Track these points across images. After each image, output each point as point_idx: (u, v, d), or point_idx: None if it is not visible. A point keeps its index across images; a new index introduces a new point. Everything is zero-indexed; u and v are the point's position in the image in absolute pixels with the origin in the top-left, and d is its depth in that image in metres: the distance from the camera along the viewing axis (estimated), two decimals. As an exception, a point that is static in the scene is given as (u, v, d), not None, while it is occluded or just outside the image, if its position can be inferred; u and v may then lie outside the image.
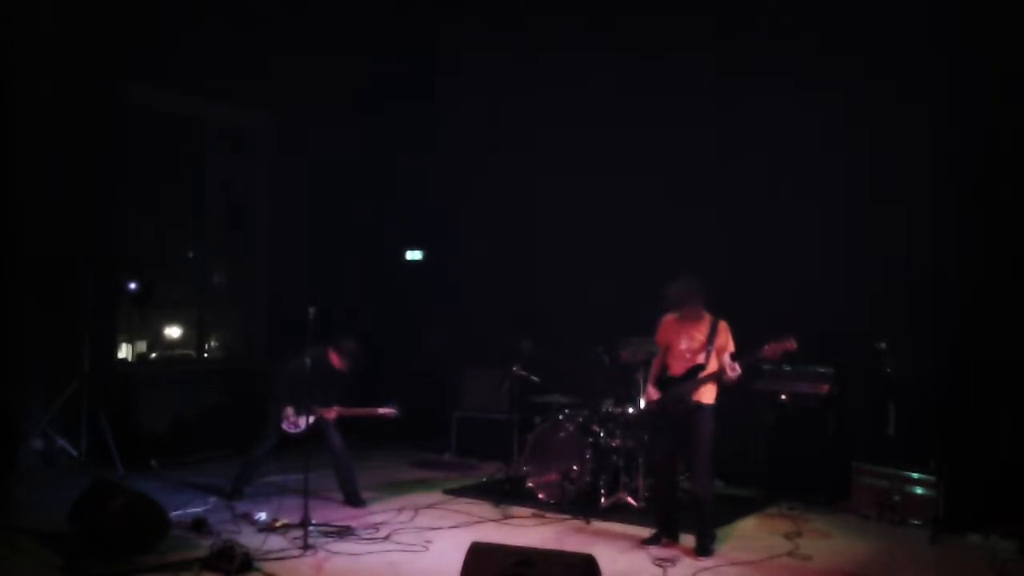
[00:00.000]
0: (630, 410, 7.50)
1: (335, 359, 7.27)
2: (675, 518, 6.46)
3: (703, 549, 6.11)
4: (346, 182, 10.51)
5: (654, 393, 6.46)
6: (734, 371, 6.12)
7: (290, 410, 7.20)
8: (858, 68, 7.89)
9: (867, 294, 7.82)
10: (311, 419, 7.02)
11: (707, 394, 6.25)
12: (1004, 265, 7.22)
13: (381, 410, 7.33)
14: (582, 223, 9.37)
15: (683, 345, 6.32)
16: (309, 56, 10.07)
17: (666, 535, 6.42)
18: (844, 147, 7.97)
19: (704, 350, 6.23)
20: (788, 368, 8.00)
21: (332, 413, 7.28)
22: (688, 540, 6.34)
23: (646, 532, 6.54)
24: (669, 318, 6.48)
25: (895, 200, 7.77)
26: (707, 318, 6.31)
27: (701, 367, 6.21)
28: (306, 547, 6.00)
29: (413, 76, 10.51)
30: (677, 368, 6.35)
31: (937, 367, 7.32)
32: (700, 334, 6.28)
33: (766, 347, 6.06)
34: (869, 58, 7.85)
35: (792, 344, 6.00)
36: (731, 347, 6.26)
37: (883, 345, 7.51)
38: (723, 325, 6.27)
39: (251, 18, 9.58)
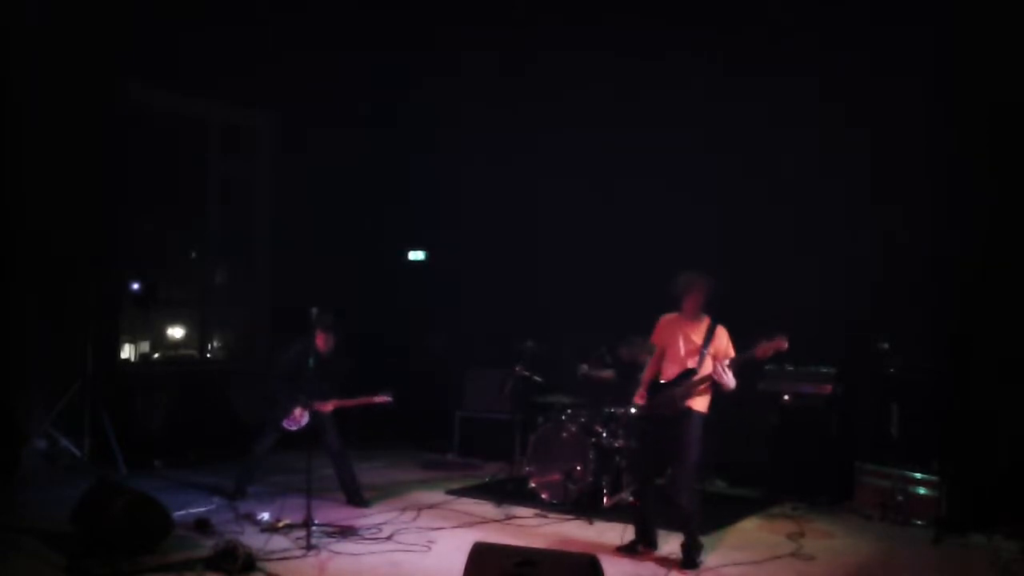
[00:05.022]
0: (632, 410, 7.48)
1: (320, 341, 7.21)
2: (653, 526, 6.27)
3: (689, 563, 5.88)
4: (347, 182, 10.52)
5: (642, 398, 6.28)
6: (726, 376, 5.85)
7: (291, 407, 7.20)
8: (858, 67, 7.89)
9: (868, 294, 7.82)
10: (310, 414, 7.01)
11: (699, 401, 6.02)
12: (1005, 264, 7.21)
13: (377, 398, 7.32)
14: (583, 223, 9.37)
15: (678, 348, 6.10)
16: (309, 56, 10.07)
17: (644, 543, 6.22)
18: (844, 146, 7.97)
19: (698, 354, 6.02)
20: (791, 368, 8.00)
21: (329, 406, 7.28)
22: (667, 543, 6.23)
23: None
24: (666, 318, 6.28)
25: (895, 199, 7.77)
26: (705, 320, 6.11)
27: (693, 371, 6.00)
28: (309, 547, 6.00)
29: (414, 76, 10.52)
30: (670, 372, 6.13)
31: (939, 367, 7.32)
32: (696, 336, 6.06)
33: (758, 348, 5.82)
34: (869, 57, 7.85)
35: (783, 343, 5.75)
36: (731, 353, 6.01)
37: (885, 345, 7.50)
38: (721, 329, 6.05)
39: (252, 18, 9.59)
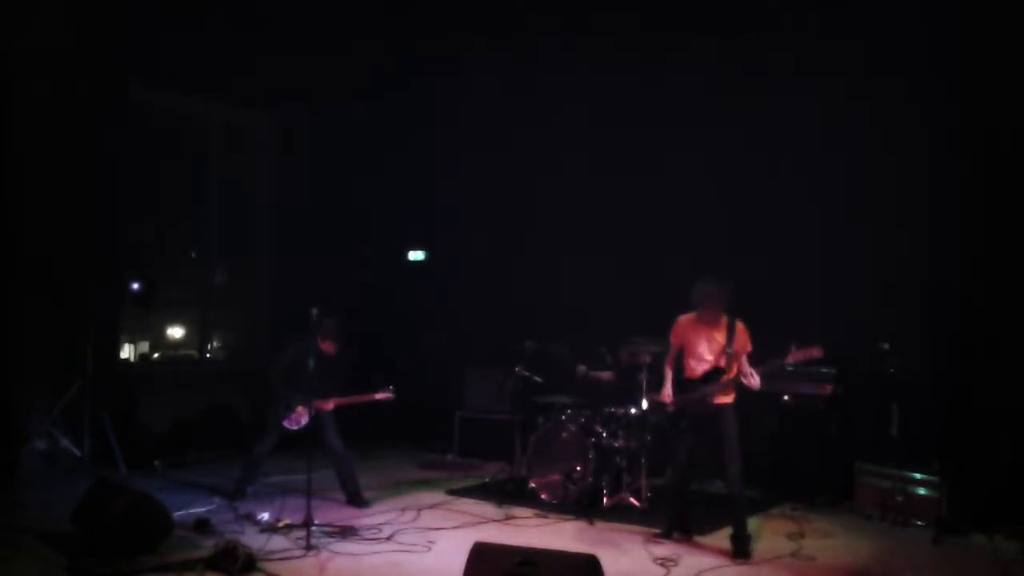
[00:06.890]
0: (632, 411, 7.49)
1: (323, 343, 7.21)
2: (688, 516, 6.51)
3: (741, 551, 6.04)
4: (348, 182, 10.52)
5: (670, 394, 6.44)
6: (753, 379, 6.10)
7: (292, 406, 7.20)
8: (859, 67, 7.89)
9: (869, 295, 7.82)
10: (310, 413, 7.02)
11: (728, 397, 6.26)
12: (1005, 265, 7.21)
13: (378, 395, 7.31)
14: (583, 223, 9.37)
15: (702, 347, 6.29)
16: (309, 56, 10.08)
17: (680, 531, 6.45)
18: (845, 146, 7.98)
19: (723, 353, 6.20)
20: (791, 368, 7.98)
21: (330, 404, 7.27)
22: (664, 544, 6.36)
23: (649, 532, 6.56)
24: (685, 318, 6.43)
25: (897, 200, 7.77)
26: (724, 320, 6.27)
27: (722, 371, 6.20)
28: (309, 547, 6.00)
29: (413, 76, 10.52)
30: (697, 370, 6.32)
31: (939, 367, 7.32)
32: (719, 336, 6.24)
33: (790, 354, 5.98)
34: (870, 57, 7.85)
35: (818, 352, 5.91)
36: (749, 347, 6.24)
37: (885, 346, 7.50)
38: (740, 327, 6.24)
39: (252, 18, 9.59)
